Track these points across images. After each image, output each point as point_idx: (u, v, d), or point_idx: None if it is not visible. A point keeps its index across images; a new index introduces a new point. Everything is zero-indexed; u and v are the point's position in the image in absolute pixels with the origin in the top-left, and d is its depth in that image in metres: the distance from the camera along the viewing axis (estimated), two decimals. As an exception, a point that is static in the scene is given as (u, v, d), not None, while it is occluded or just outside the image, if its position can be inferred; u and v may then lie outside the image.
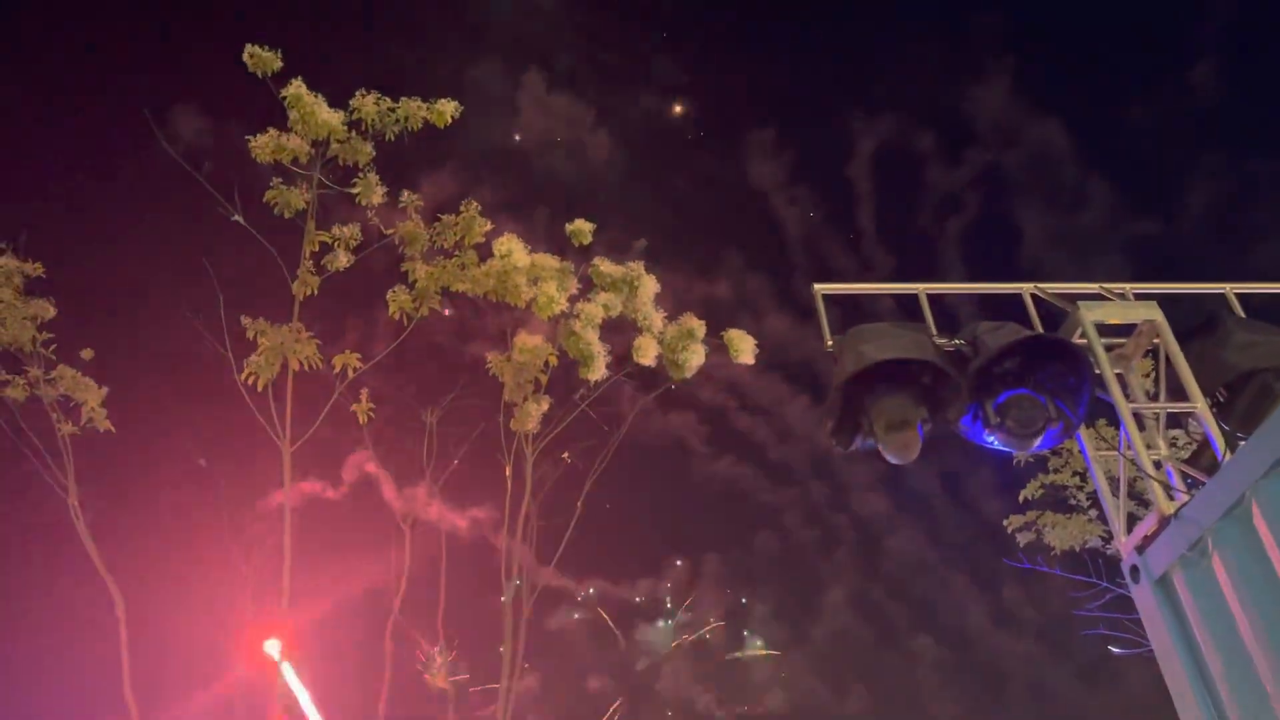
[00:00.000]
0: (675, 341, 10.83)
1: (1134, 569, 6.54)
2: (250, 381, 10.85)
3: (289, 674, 10.56)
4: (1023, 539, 13.86)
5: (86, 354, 12.47)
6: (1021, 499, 13.68)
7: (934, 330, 7.97)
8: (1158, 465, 7.55)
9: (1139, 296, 8.36)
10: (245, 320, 11.14)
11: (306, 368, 11.04)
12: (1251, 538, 5.25)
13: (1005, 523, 13.93)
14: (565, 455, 14.56)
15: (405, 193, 11.01)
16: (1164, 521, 6.44)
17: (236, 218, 11.14)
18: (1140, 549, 6.65)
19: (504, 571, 10.90)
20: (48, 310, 12.21)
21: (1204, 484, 6.29)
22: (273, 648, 10.34)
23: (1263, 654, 5.17)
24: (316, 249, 11.16)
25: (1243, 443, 6.25)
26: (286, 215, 10.98)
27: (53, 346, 12.34)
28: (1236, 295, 8.68)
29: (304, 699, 10.79)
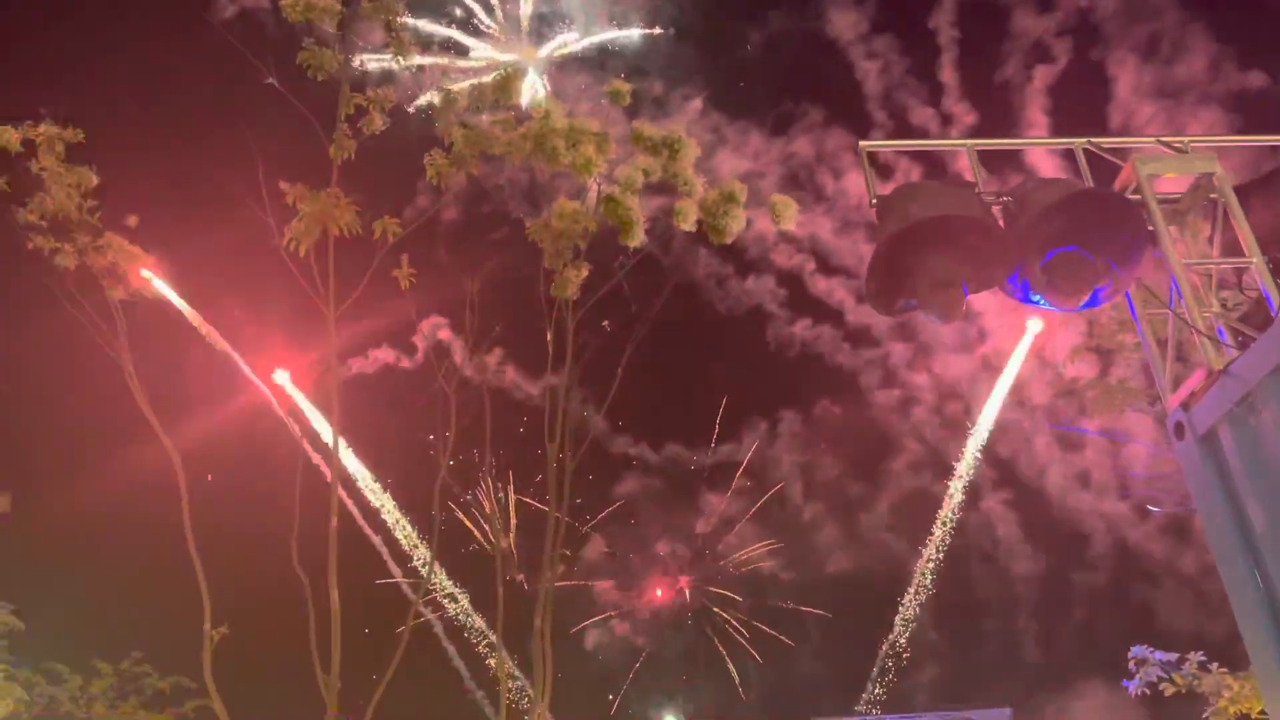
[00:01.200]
0: (715, 206, 10.66)
1: (1178, 425, 6.49)
2: (292, 248, 10.92)
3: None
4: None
5: (132, 220, 12.56)
6: (1061, 367, 13.57)
7: (982, 188, 7.76)
8: (1208, 323, 7.42)
9: (1199, 149, 8.05)
10: (284, 186, 11.11)
11: (346, 234, 11.06)
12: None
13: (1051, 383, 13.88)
14: (605, 323, 14.60)
15: (440, 55, 10.81)
16: (1211, 377, 6.36)
17: (271, 80, 11.02)
18: (1185, 405, 6.60)
19: (547, 432, 11.11)
20: (91, 178, 12.23)
21: (1255, 340, 6.17)
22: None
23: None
24: (352, 112, 11.03)
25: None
26: (320, 78, 10.82)
27: (98, 214, 12.41)
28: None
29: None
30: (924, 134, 32.71)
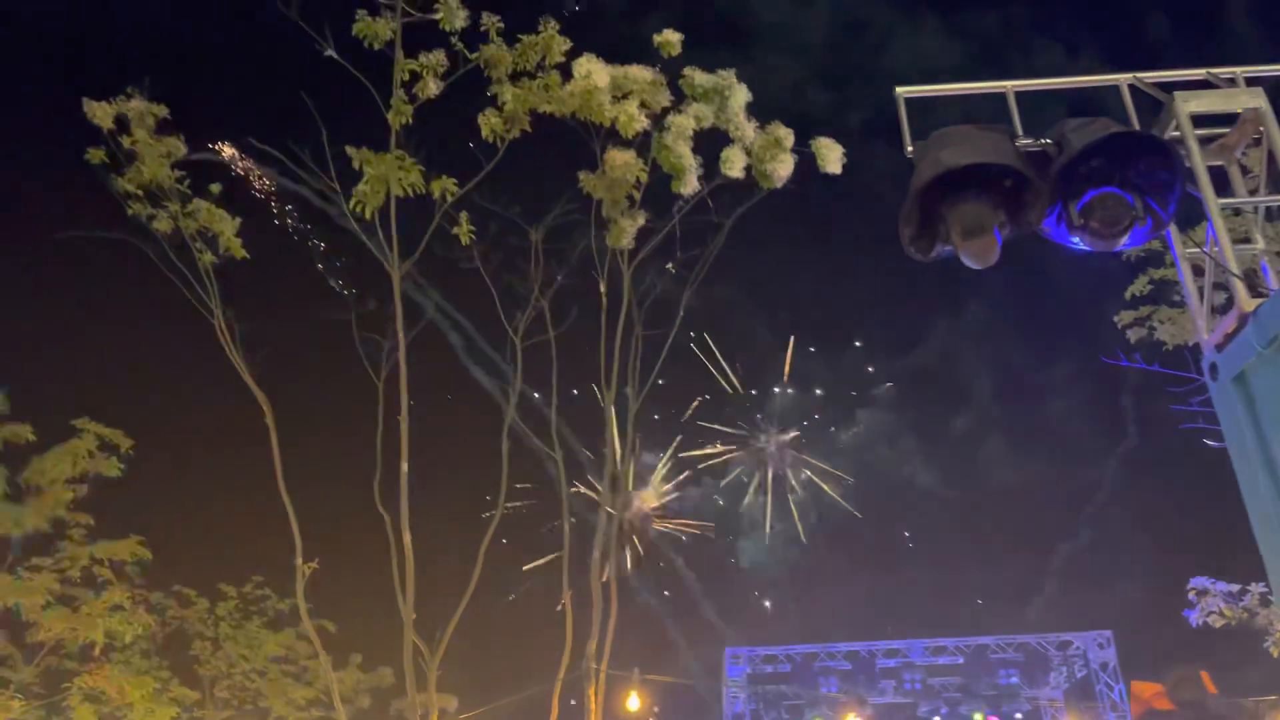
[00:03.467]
0: (763, 151, 10.77)
1: (1213, 366, 6.53)
2: (359, 210, 11.43)
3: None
4: (1134, 335, 13.60)
5: (215, 188, 13.27)
6: (1129, 295, 13.35)
7: (1019, 130, 7.74)
8: (1253, 261, 7.34)
9: (1251, 81, 7.86)
10: (350, 150, 11.60)
11: (410, 194, 11.52)
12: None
13: (1115, 318, 13.67)
14: (670, 266, 14.81)
15: (485, 15, 11.02)
16: (1243, 319, 6.38)
17: (330, 52, 11.45)
18: (1220, 347, 6.63)
19: (603, 380, 11.50)
20: (179, 148, 12.98)
21: (1285, 281, 6.16)
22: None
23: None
24: (407, 78, 11.40)
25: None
26: (376, 46, 11.20)
27: (187, 182, 13.18)
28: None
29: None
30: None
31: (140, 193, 12.88)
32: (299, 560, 11.39)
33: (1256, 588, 13.26)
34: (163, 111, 12.71)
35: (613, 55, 10.96)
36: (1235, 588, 13.51)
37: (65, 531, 16.59)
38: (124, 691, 17.23)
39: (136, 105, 12.61)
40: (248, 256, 13.04)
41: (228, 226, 12.87)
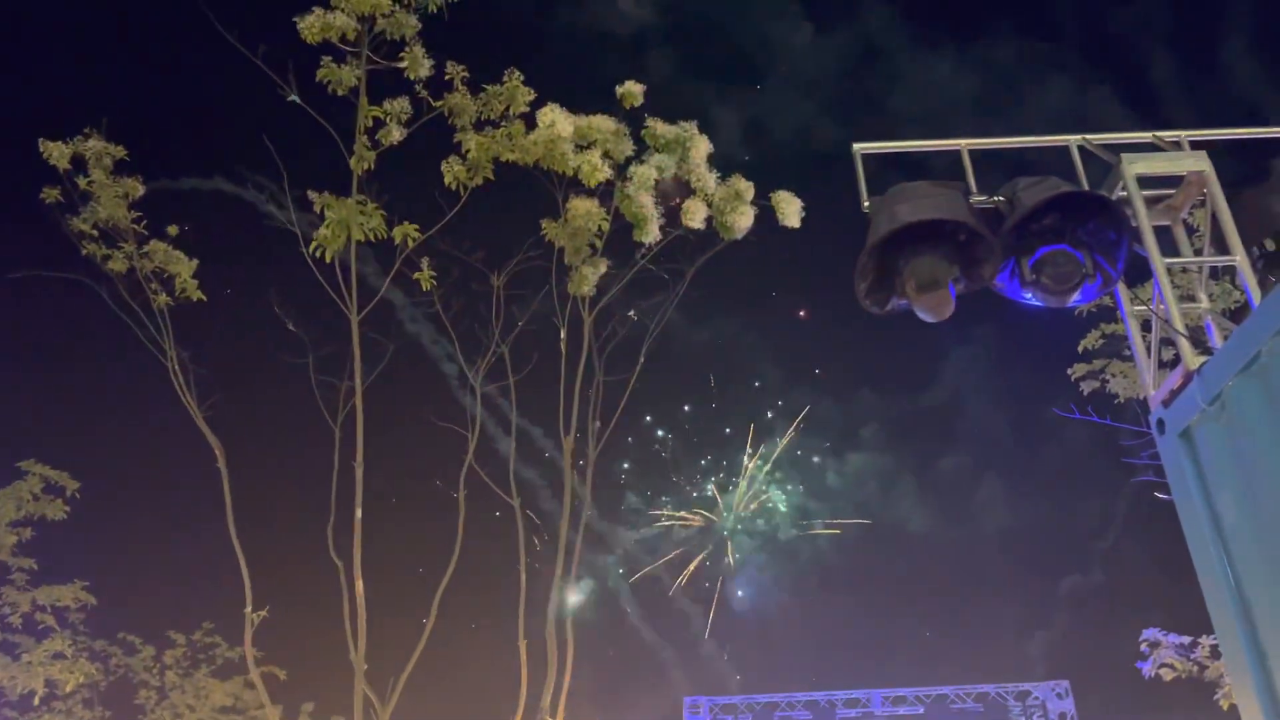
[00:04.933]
0: (723, 203, 10.90)
1: (1160, 422, 6.65)
2: (318, 254, 11.37)
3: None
4: (1086, 387, 13.86)
5: (172, 230, 13.17)
6: (1081, 348, 13.63)
7: (974, 187, 7.91)
8: (1197, 320, 7.53)
9: (1195, 145, 8.11)
10: (312, 194, 11.58)
11: (372, 239, 11.49)
12: (1265, 394, 5.33)
13: (1069, 371, 13.92)
14: (631, 313, 14.87)
15: (450, 64, 11.12)
16: (1189, 376, 6.51)
17: (293, 97, 11.46)
18: (1166, 403, 6.75)
19: (562, 426, 11.47)
20: (137, 189, 12.90)
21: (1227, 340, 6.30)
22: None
23: (1271, 508, 5.31)
24: (370, 124, 11.42)
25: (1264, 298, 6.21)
26: (340, 93, 11.23)
27: (143, 223, 13.09)
28: (1301, 139, 8.34)
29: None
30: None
31: (95, 232, 12.78)
32: (248, 608, 11.16)
33: (1207, 640, 13.42)
34: (121, 152, 12.67)
35: (578, 104, 11.12)
36: (1186, 640, 13.67)
37: (7, 577, 16.18)
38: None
39: (94, 145, 12.56)
40: (204, 298, 12.92)
41: (184, 268, 12.77)
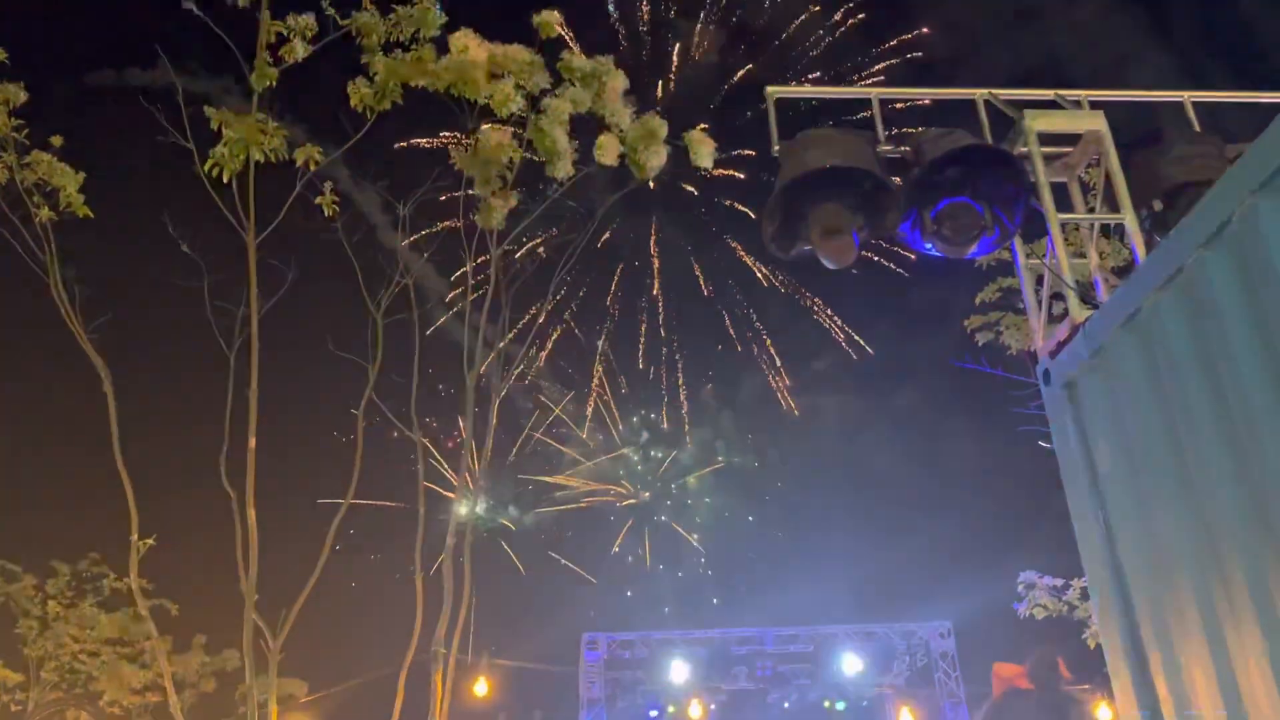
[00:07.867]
0: (637, 141, 10.79)
1: (1046, 372, 6.90)
2: (215, 174, 10.90)
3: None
4: (981, 339, 14.32)
5: (56, 140, 12.44)
6: (978, 300, 14.05)
7: (882, 137, 8.01)
8: (1087, 275, 7.80)
9: (1095, 104, 8.34)
10: (209, 110, 11.04)
11: (272, 160, 11.06)
12: (1141, 347, 5.56)
13: (965, 322, 14.36)
14: (540, 249, 14.72)
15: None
16: (1074, 329, 6.76)
17: (189, 4, 10.87)
18: (1053, 354, 7.01)
19: (465, 357, 11.32)
20: (19, 95, 12.11)
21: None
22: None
23: (1143, 457, 5.57)
24: (273, 40, 10.92)
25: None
26: (241, 4, 10.69)
27: (25, 132, 12.32)
28: (1193, 104, 8.64)
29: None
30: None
31: None
32: (134, 535, 10.84)
33: (1078, 582, 14.22)
34: (1, 56, 11.87)
35: (493, 34, 10.80)
36: (1060, 582, 14.48)
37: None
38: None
39: None
40: (91, 215, 12.26)
41: (70, 181, 12.05)
